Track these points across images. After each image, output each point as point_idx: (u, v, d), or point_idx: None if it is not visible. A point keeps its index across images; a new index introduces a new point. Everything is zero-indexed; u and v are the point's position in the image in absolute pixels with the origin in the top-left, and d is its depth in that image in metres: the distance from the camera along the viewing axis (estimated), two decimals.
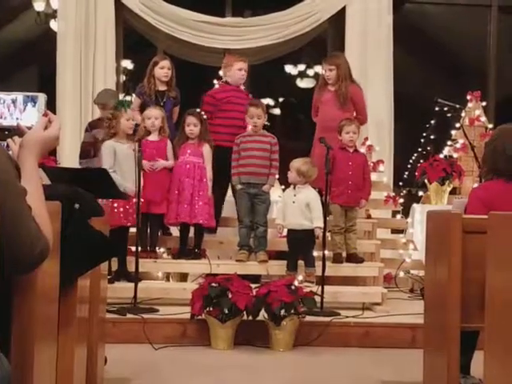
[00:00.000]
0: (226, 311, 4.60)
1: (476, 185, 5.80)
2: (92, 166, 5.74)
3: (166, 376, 4.05)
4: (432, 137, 8.03)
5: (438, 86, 8.80)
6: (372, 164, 6.66)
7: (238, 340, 4.69)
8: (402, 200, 6.80)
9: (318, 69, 8.72)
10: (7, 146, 2.26)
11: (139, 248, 5.17)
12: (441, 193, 6.56)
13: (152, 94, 5.97)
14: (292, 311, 4.61)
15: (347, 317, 4.98)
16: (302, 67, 9.65)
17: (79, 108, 7.60)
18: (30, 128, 2.09)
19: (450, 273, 3.16)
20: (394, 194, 6.85)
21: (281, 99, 9.90)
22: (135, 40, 8.58)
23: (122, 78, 8.39)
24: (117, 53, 7.86)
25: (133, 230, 5.33)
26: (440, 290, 3.30)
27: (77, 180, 3.16)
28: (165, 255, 5.94)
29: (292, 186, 5.49)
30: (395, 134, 7.84)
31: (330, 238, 5.58)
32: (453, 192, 6.69)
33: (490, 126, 7.08)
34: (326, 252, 5.31)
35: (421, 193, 6.98)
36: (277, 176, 5.82)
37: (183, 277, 6.03)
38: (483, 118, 7.15)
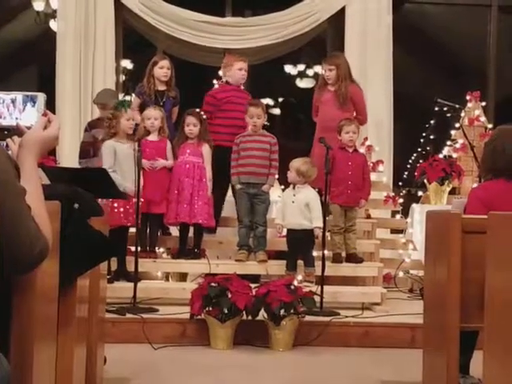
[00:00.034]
0: (226, 311, 4.60)
1: (475, 185, 5.80)
2: (91, 166, 5.75)
3: (166, 376, 4.05)
4: (431, 137, 8.04)
5: (437, 86, 8.80)
6: (371, 164, 6.66)
7: (237, 340, 4.69)
8: (401, 200, 6.80)
9: (318, 69, 8.73)
10: (6, 145, 2.26)
11: (139, 248, 5.17)
12: (440, 193, 6.56)
13: (151, 94, 5.97)
14: (291, 311, 4.61)
15: (347, 317, 4.98)
16: (301, 67, 9.65)
17: (79, 108, 7.60)
18: (29, 128, 2.09)
19: (450, 273, 3.16)
20: (393, 194, 6.85)
21: (280, 99, 9.91)
22: (135, 40, 8.58)
23: (122, 77, 8.39)
24: (116, 53, 7.86)
25: (132, 229, 5.34)
26: (439, 289, 3.30)
27: (76, 180, 3.16)
28: (164, 255, 5.94)
29: (291, 186, 5.49)
30: (395, 134, 7.84)
31: (329, 238, 5.58)
32: (452, 192, 6.69)
33: (490, 126, 7.09)
34: (326, 252, 5.31)
35: (420, 193, 6.98)
36: (276, 176, 5.82)
37: (183, 277, 6.03)
38: (483, 118, 7.15)
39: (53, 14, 7.98)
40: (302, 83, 9.71)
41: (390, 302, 5.46)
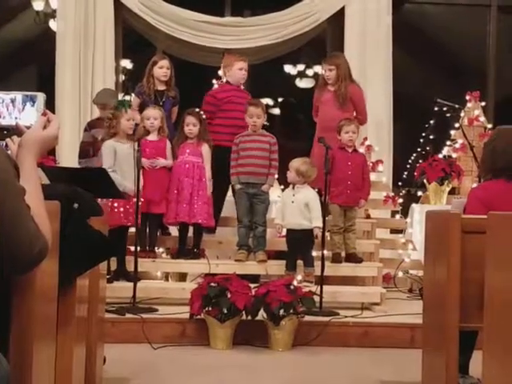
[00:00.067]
0: (225, 311, 4.59)
1: (475, 185, 5.80)
2: (91, 166, 5.75)
3: (165, 376, 4.05)
4: (431, 137, 8.03)
5: (437, 86, 8.80)
6: (371, 164, 6.66)
7: (236, 340, 4.69)
8: (401, 200, 6.79)
9: (318, 69, 8.73)
10: (6, 145, 2.27)
11: (138, 248, 5.17)
12: (440, 193, 6.57)
13: (151, 94, 5.97)
14: (291, 311, 4.61)
15: (346, 317, 4.98)
16: (301, 67, 9.65)
17: (78, 107, 7.59)
18: (28, 127, 2.09)
19: (449, 273, 3.16)
20: (393, 193, 6.85)
21: (280, 99, 9.91)
22: (134, 40, 8.58)
23: (122, 77, 8.39)
24: (116, 52, 7.85)
25: (132, 229, 5.34)
26: (439, 289, 3.30)
27: (76, 179, 3.16)
28: (164, 255, 5.93)
29: (291, 186, 5.49)
30: (394, 134, 7.84)
31: (329, 238, 5.58)
32: (452, 192, 6.69)
33: (489, 126, 7.09)
34: (325, 252, 5.31)
35: (420, 193, 6.99)
36: (276, 176, 5.82)
37: (182, 276, 6.03)
38: (482, 118, 7.15)
39: (52, 14, 7.98)
40: (301, 83, 9.72)
41: (389, 302, 5.46)
